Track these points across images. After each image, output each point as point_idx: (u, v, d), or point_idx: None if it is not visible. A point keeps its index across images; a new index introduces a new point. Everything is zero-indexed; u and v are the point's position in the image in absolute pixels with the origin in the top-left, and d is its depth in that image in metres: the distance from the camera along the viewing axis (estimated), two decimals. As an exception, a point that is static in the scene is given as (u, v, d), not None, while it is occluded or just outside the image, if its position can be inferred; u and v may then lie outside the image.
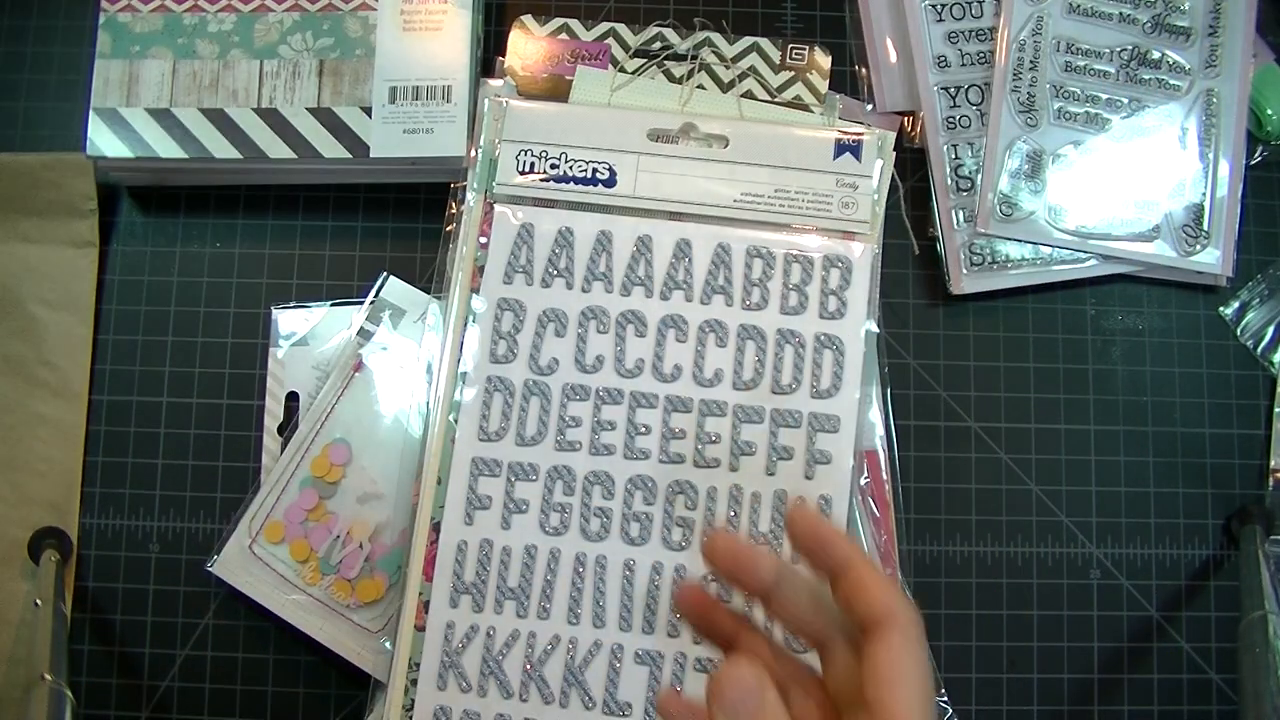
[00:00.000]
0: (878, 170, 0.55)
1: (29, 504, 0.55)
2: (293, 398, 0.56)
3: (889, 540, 0.54)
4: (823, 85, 0.57)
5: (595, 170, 0.55)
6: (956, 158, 0.58)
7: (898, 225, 0.58)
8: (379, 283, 0.56)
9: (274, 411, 0.56)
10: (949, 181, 0.58)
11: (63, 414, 0.56)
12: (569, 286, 0.54)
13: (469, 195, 0.55)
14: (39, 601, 0.51)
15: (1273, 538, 0.55)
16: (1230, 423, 0.58)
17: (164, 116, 0.55)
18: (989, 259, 0.57)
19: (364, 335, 0.56)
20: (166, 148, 0.55)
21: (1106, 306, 0.59)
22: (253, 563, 0.54)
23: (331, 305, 0.57)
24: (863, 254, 0.54)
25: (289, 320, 0.57)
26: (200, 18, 0.56)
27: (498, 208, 0.55)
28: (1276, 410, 0.58)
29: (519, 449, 0.53)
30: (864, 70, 0.60)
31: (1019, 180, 0.57)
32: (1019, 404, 0.58)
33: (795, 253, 0.54)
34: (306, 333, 0.56)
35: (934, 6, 0.59)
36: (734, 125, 0.55)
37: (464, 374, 0.53)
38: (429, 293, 0.56)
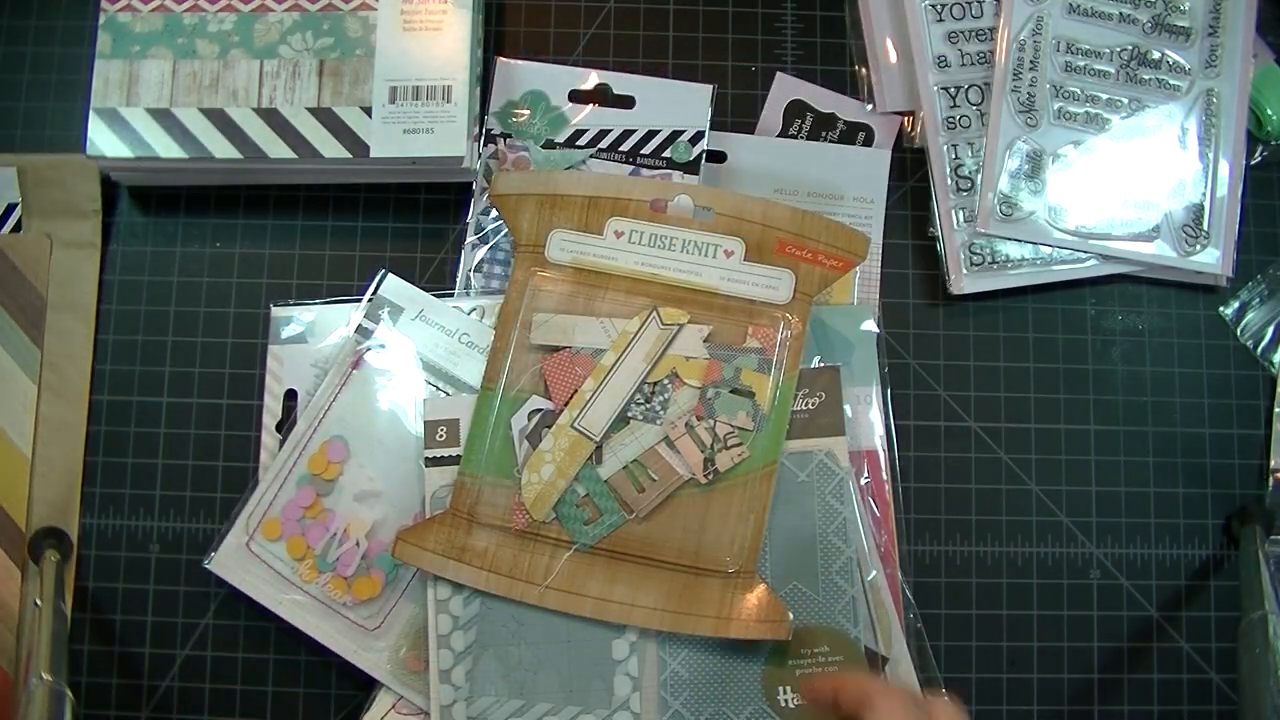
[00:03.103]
0: None
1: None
2: (291, 395, 0.56)
3: (889, 540, 0.54)
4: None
5: None
6: (956, 158, 0.58)
7: (898, 224, 0.58)
8: (377, 279, 0.56)
9: (273, 409, 0.56)
10: (949, 181, 0.58)
11: (63, 414, 0.56)
12: None
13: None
14: (39, 601, 0.51)
15: (1273, 538, 0.55)
16: (1230, 423, 0.58)
17: (164, 116, 0.55)
18: (989, 259, 0.57)
19: (362, 332, 0.55)
20: (166, 148, 0.55)
21: (1106, 306, 0.59)
22: (250, 560, 0.53)
23: (330, 302, 0.57)
24: None
25: (288, 317, 0.57)
26: (200, 18, 0.56)
27: None
28: (1276, 410, 0.58)
29: None
30: (864, 70, 0.60)
31: (1019, 180, 0.57)
32: (1019, 404, 0.58)
33: None
34: (305, 329, 0.56)
35: (934, 6, 0.59)
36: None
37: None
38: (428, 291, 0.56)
